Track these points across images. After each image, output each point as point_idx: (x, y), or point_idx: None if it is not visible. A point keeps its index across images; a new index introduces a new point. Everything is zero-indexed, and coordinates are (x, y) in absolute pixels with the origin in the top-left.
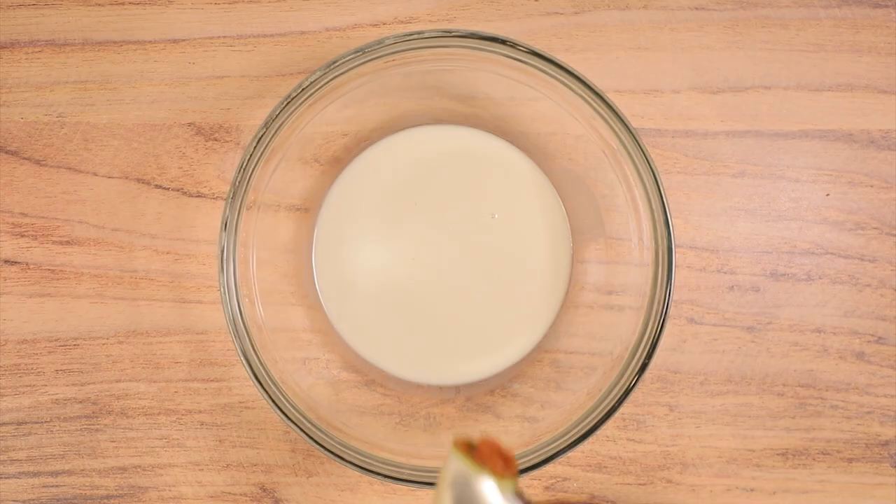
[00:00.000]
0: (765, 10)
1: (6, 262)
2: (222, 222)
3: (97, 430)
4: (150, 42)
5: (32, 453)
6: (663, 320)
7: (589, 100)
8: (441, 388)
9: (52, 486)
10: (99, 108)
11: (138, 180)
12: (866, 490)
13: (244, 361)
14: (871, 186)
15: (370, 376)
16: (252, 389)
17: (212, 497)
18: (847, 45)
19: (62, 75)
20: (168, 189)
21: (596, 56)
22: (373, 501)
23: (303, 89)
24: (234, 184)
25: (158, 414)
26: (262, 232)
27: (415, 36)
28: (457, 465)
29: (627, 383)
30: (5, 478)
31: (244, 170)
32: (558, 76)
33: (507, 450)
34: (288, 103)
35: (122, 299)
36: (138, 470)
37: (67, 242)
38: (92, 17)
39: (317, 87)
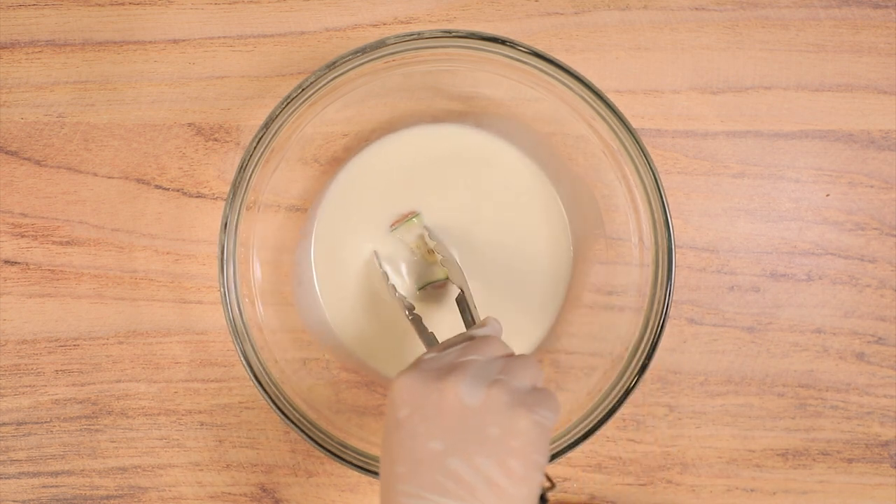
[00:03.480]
0: (765, 10)
1: (6, 262)
2: (222, 222)
3: (97, 430)
4: (150, 42)
5: (32, 453)
6: (663, 321)
7: (589, 100)
8: None
9: (52, 487)
10: (99, 109)
11: (138, 180)
12: (866, 490)
13: (244, 362)
14: (871, 187)
15: (370, 376)
16: (252, 389)
17: (212, 497)
18: (847, 45)
19: (62, 75)
20: (168, 189)
21: (596, 56)
22: (373, 501)
23: (303, 89)
24: (234, 184)
25: (158, 414)
26: (262, 232)
27: (415, 36)
28: None
29: (627, 384)
30: (5, 478)
31: (244, 170)
32: (558, 76)
33: None
34: (288, 103)
35: (122, 299)
36: (138, 470)
37: (67, 243)
38: (92, 18)
39: (317, 87)
